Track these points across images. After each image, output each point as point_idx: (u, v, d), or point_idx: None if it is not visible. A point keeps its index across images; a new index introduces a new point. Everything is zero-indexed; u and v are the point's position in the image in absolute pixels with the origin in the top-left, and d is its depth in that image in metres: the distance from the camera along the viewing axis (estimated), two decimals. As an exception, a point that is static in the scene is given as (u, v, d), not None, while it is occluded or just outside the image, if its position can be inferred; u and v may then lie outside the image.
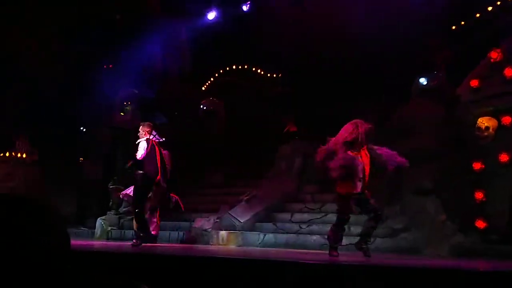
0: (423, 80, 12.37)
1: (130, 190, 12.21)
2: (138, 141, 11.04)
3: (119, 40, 18.14)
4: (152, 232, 11.59)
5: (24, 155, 17.52)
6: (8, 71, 16.69)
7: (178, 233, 13.32)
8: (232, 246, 12.00)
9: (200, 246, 12.13)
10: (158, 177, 10.87)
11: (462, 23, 14.18)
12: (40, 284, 1.53)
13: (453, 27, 14.29)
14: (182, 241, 13.03)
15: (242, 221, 12.75)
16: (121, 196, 13.38)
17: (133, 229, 12.08)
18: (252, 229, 12.76)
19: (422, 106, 11.95)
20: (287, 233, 12.32)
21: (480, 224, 9.63)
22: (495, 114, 9.94)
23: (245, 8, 19.74)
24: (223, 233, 12.50)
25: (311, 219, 12.58)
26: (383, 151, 8.95)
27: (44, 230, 1.59)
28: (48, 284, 1.55)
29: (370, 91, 14.42)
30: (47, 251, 1.56)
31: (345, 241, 11.12)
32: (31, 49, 16.91)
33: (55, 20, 16.72)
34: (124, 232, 14.49)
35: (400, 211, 11.37)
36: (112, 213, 15.45)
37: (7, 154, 17.42)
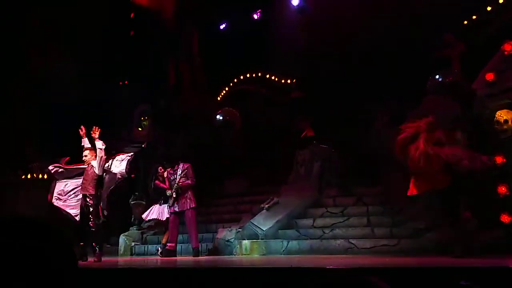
0: (438, 77, 12.26)
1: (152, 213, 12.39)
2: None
3: (134, 55, 18.25)
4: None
5: (45, 176, 17.63)
6: (26, 91, 16.84)
7: (201, 245, 13.32)
8: (256, 255, 11.95)
9: (224, 257, 12.09)
10: None
11: (474, 17, 14.06)
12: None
13: (465, 22, 14.18)
14: (206, 253, 13.03)
15: (264, 229, 12.70)
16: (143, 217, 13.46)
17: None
18: (275, 237, 12.71)
19: (438, 102, 11.84)
20: (311, 239, 12.27)
21: (505, 218, 9.51)
22: (512, 107, 9.84)
23: (255, 16, 19.79)
24: (246, 242, 12.45)
25: (334, 224, 12.51)
26: None
27: (48, 251, 1.57)
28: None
29: (384, 91, 14.32)
30: (52, 272, 1.54)
31: (369, 243, 11.09)
32: (51, 68, 17.03)
33: (75, 38, 16.83)
34: (147, 247, 14.51)
35: (423, 211, 11.27)
36: (135, 228, 15.47)
37: (28, 176, 17.54)
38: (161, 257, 12.14)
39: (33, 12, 16.84)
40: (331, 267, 6.37)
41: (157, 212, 12.81)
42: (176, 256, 12.09)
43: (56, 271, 1.53)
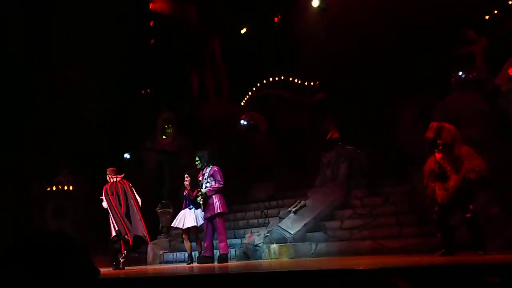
0: (461, 73, 12.18)
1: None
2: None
3: (156, 64, 18.37)
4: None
5: (70, 187, 17.80)
6: (50, 101, 17.04)
7: (230, 250, 13.32)
8: (285, 259, 11.92)
9: (253, 262, 12.08)
10: None
11: (495, 11, 13.94)
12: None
13: (487, 17, 14.07)
14: (236, 258, 13.02)
15: (292, 232, 12.67)
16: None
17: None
18: (303, 240, 12.68)
19: (464, 97, 11.77)
20: (339, 240, 12.21)
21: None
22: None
23: (276, 19, 19.82)
24: (274, 246, 12.43)
25: (362, 224, 12.45)
26: None
27: (69, 264, 1.61)
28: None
29: (409, 88, 14.24)
30: (73, 283, 1.57)
31: (398, 243, 11.01)
32: (76, 79, 17.24)
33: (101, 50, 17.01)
34: (176, 254, 14.55)
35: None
36: (163, 236, 15.53)
37: (54, 188, 17.72)
38: (197, 263, 12.08)
39: (57, 25, 17.03)
40: (360, 268, 6.34)
41: (184, 218, 12.67)
42: (213, 263, 11.96)
43: (77, 282, 1.56)
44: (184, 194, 12.44)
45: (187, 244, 12.64)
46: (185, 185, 12.30)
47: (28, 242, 1.65)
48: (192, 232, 12.53)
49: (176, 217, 12.78)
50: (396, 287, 1.73)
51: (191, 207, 12.45)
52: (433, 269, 5.72)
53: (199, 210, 12.21)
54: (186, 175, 12.48)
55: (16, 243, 1.66)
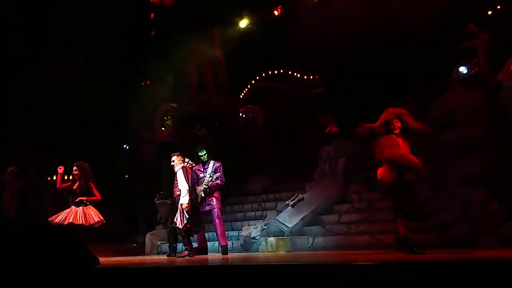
0: (463, 69, 12.12)
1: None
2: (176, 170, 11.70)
3: (155, 56, 18.32)
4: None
5: (70, 177, 17.76)
6: (51, 90, 17.00)
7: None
8: (282, 252, 11.93)
9: (250, 254, 12.09)
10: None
11: (498, 7, 13.91)
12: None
13: (489, 12, 14.03)
14: (233, 250, 13.03)
15: (290, 226, 12.68)
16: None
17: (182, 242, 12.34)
18: (300, 233, 12.69)
19: (464, 94, 11.75)
20: (337, 235, 12.22)
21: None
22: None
23: (276, 12, 19.76)
24: (271, 239, 12.45)
25: (360, 219, 12.46)
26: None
27: (64, 255, 1.61)
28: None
29: (408, 83, 14.22)
30: (67, 272, 1.58)
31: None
32: (74, 70, 17.17)
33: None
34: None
35: (448, 203, 11.18)
36: (161, 227, 15.54)
37: (54, 178, 17.66)
38: (189, 257, 12.12)
39: (55, 14, 16.95)
40: (357, 263, 6.34)
41: None
42: (206, 254, 12.07)
43: (71, 271, 1.56)
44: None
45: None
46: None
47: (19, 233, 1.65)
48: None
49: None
50: (397, 283, 1.73)
51: None
52: (433, 265, 5.71)
53: None
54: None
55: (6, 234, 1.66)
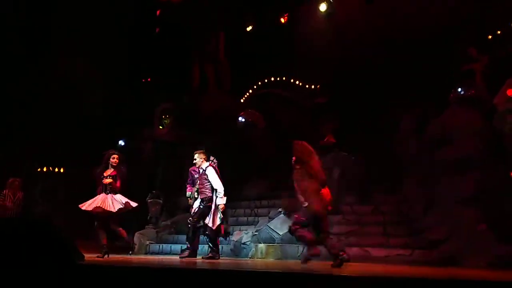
0: (460, 90, 12.24)
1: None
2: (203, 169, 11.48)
3: (158, 53, 18.34)
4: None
5: (61, 170, 17.81)
6: (50, 90, 17.02)
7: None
8: (271, 259, 11.97)
9: (239, 260, 12.10)
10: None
11: (498, 32, 14.00)
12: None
13: (490, 36, 14.12)
14: (222, 255, 13.02)
15: (281, 233, 12.73)
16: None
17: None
18: (291, 241, 12.68)
19: (462, 115, 11.84)
20: (326, 245, 12.26)
21: (521, 235, 9.51)
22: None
23: (282, 20, 19.81)
24: (262, 246, 12.50)
25: (350, 231, 12.53)
26: None
27: (46, 249, 1.67)
28: None
29: (409, 98, 14.29)
30: (50, 267, 1.64)
31: (384, 252, 11.10)
32: (77, 66, 17.18)
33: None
34: (162, 246, 14.57)
35: (439, 222, 11.25)
36: (150, 227, 15.52)
37: (44, 169, 17.73)
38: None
39: (58, 10, 16.96)
40: (344, 274, 6.40)
41: None
42: (195, 257, 12.00)
43: (54, 266, 1.62)
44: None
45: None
46: None
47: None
48: None
49: None
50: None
51: None
52: (415, 282, 5.78)
53: None
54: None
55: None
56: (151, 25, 19.22)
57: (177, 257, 11.39)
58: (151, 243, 14.90)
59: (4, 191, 13.52)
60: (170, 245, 14.19)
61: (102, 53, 16.70)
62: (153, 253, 14.36)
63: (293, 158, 9.17)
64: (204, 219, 11.29)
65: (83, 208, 10.69)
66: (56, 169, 18.03)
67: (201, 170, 11.53)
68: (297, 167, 9.06)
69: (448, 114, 12.31)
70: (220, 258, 11.62)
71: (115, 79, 17.76)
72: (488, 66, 13.31)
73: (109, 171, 11.00)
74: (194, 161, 11.62)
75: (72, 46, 16.68)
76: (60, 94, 17.21)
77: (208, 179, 11.35)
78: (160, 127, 19.86)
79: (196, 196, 11.77)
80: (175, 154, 17.57)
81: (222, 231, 11.38)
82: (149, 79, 20.64)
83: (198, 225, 11.45)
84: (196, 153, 11.65)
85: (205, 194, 11.38)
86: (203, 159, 11.57)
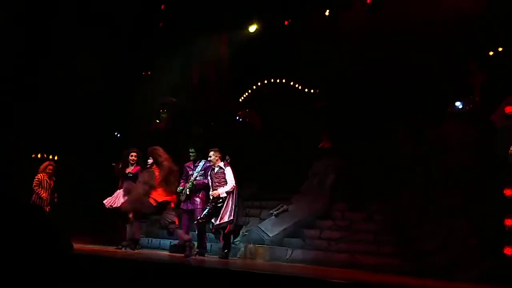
0: (458, 104, 12.28)
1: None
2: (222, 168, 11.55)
3: (160, 47, 18.28)
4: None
5: (55, 157, 17.74)
6: (46, 76, 16.94)
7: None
8: (260, 260, 11.98)
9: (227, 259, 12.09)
10: None
11: (500, 49, 14.00)
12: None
13: (491, 53, 14.13)
14: (210, 253, 13.00)
15: (271, 235, 12.75)
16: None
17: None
18: (280, 244, 12.74)
19: (457, 128, 11.86)
20: (316, 249, 12.28)
21: (509, 251, 9.52)
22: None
23: (285, 22, 19.78)
24: (251, 246, 12.51)
25: (341, 237, 12.53)
26: None
27: (35, 237, 1.65)
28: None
29: (407, 107, 14.28)
30: (40, 253, 1.62)
31: (373, 260, 11.09)
32: (77, 57, 17.08)
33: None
34: (152, 240, 14.51)
35: (431, 232, 11.25)
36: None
37: (39, 156, 17.65)
38: (169, 252, 12.11)
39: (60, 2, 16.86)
40: (332, 280, 6.41)
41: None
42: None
43: (44, 252, 1.60)
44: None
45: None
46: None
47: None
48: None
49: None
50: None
51: None
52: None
53: None
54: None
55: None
56: (153, 19, 19.13)
57: (165, 252, 11.37)
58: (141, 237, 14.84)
59: (39, 175, 13.33)
60: (160, 240, 14.16)
61: (103, 43, 16.62)
62: (142, 247, 14.29)
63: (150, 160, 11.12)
64: (211, 218, 11.25)
65: (108, 205, 11.57)
66: (51, 156, 17.94)
67: (216, 169, 11.56)
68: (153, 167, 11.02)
69: (447, 126, 12.34)
70: (207, 256, 11.63)
71: (114, 70, 17.66)
72: (485, 82, 13.32)
73: (130, 169, 11.86)
74: (209, 159, 11.65)
75: (72, 36, 16.61)
76: (58, 83, 17.13)
77: (225, 178, 11.36)
78: (157, 120, 19.84)
79: (188, 193, 11.82)
80: (170, 148, 17.53)
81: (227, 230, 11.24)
82: (149, 72, 20.55)
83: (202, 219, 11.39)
84: (211, 151, 11.66)
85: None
86: (218, 157, 11.60)
